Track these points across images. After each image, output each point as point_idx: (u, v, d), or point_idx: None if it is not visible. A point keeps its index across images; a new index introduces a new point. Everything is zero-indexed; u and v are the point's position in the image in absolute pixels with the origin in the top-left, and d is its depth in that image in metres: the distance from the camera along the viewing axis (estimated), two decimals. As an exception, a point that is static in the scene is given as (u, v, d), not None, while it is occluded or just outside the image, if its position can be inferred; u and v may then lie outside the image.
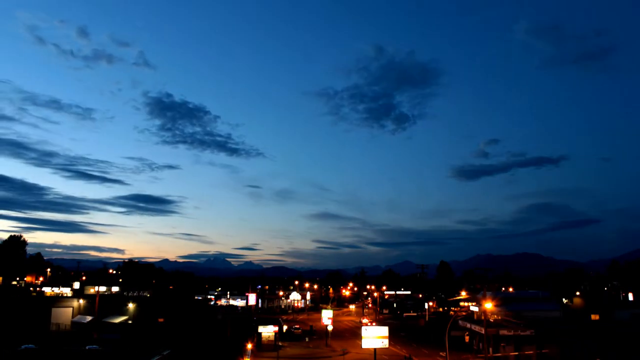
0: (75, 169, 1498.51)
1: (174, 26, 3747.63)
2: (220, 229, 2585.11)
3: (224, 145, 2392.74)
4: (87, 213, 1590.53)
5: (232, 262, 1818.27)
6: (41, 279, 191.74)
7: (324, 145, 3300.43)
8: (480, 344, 72.25)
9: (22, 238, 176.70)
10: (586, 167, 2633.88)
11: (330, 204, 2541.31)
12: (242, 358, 62.47)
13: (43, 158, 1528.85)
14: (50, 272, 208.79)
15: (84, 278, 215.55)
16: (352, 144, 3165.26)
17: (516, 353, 68.12)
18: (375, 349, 62.66)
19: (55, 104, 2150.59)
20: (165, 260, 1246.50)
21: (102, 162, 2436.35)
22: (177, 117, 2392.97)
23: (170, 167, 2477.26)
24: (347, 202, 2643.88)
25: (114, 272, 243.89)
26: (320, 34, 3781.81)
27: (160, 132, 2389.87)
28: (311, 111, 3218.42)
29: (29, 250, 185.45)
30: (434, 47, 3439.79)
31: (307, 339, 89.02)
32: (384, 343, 62.81)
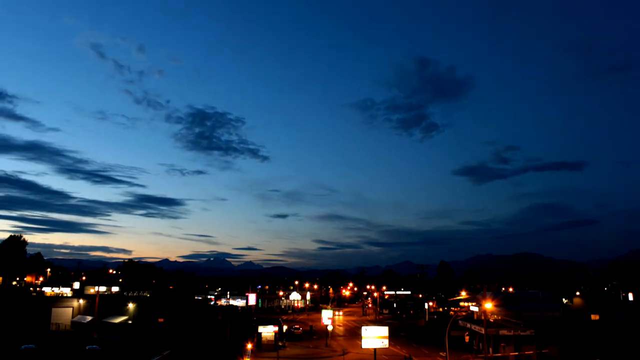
0: (105, 175, 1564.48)
1: (222, 43, 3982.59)
2: (227, 230, 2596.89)
3: (255, 153, 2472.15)
4: (103, 215, 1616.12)
5: (232, 262, 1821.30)
6: (41, 279, 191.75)
7: (354, 154, 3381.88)
8: (480, 344, 72.22)
9: (22, 238, 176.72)
10: (602, 171, 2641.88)
11: (338, 206, 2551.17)
12: (242, 358, 62.51)
13: (76, 165, 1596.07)
14: (50, 272, 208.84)
15: (84, 278, 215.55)
16: (382, 151, 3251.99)
17: (516, 353, 68.10)
18: (375, 349, 62.67)
19: (100, 114, 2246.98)
20: (166, 260, 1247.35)
21: (135, 168, 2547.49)
22: (216, 126, 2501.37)
23: (200, 172, 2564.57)
24: (354, 203, 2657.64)
25: (114, 272, 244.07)
26: (364, 50, 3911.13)
27: (198, 139, 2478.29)
28: (346, 122, 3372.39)
29: (41, 250, 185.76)
30: (469, 62, 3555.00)
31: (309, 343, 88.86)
32: (384, 343, 62.80)
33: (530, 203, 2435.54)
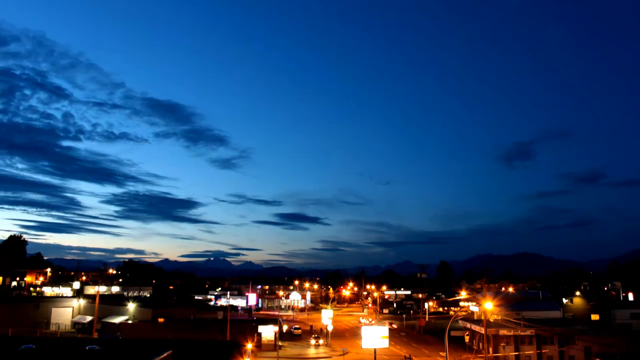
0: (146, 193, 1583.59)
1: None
2: (241, 233, 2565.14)
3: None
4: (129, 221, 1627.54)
5: (232, 262, 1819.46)
6: (41, 279, 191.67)
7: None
8: (480, 344, 72.25)
9: (22, 238, 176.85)
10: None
11: (366, 213, 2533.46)
12: (242, 358, 62.51)
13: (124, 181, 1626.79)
14: (50, 272, 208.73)
15: (84, 278, 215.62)
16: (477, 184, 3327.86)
17: (516, 353, 68.18)
18: (375, 349, 62.64)
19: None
20: (166, 260, 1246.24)
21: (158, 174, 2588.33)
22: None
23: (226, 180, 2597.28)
24: (384, 212, 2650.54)
25: (114, 272, 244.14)
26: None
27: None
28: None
29: (72, 251, 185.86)
30: (569, 113, 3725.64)
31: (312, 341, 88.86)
32: (384, 343, 62.79)
33: (528, 203, 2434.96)
